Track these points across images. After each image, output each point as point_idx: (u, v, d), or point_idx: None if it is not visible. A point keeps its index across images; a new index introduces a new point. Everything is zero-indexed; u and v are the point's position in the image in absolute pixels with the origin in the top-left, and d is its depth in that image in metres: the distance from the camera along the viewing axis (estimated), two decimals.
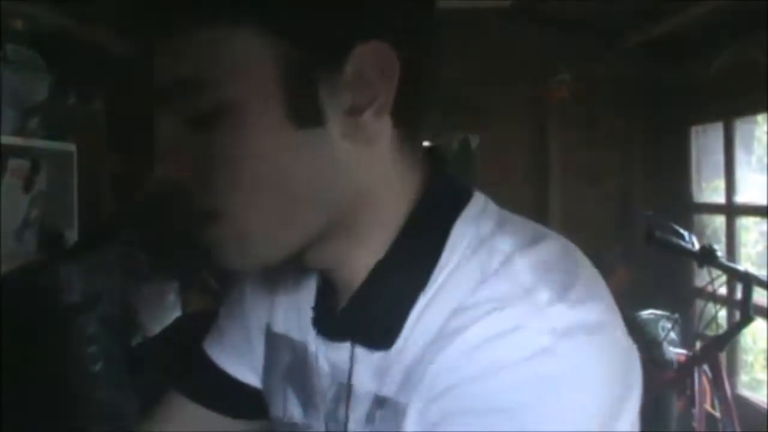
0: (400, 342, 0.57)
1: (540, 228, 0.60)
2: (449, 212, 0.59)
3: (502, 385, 0.49)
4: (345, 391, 0.61)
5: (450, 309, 0.54)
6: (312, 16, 0.52)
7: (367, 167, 0.56)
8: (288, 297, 0.70)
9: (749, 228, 3.64)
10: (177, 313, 2.60)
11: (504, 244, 0.56)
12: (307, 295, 0.68)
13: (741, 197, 3.40)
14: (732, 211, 3.41)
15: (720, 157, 3.48)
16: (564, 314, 0.51)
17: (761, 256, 3.68)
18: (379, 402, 0.58)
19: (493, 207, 0.61)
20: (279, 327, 0.71)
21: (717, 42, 3.21)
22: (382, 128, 0.55)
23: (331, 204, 0.56)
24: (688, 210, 3.74)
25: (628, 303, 3.11)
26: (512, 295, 0.52)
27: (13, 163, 2.39)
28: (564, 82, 3.83)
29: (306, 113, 0.53)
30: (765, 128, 3.56)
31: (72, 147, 2.56)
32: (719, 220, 3.58)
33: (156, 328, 2.43)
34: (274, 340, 0.72)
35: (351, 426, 0.60)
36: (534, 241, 0.56)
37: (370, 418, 0.58)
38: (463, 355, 0.51)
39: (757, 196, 3.35)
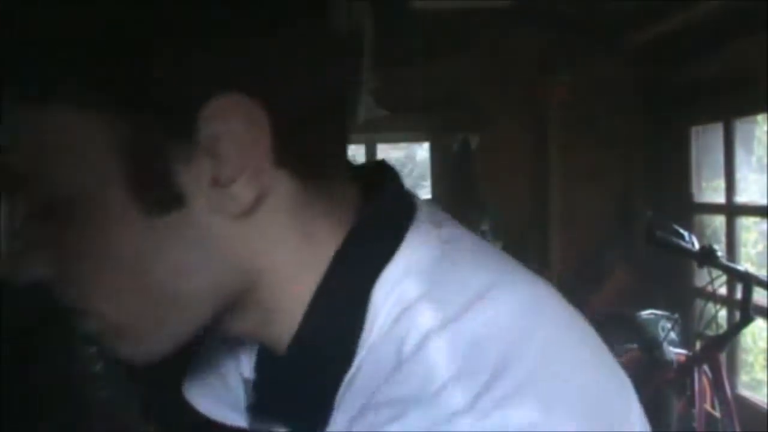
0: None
1: (503, 270, 0.48)
2: (369, 271, 0.47)
3: None
4: None
5: (358, 406, 0.44)
6: (135, 74, 0.41)
7: (254, 240, 0.46)
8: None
9: (749, 228, 3.65)
10: None
11: (424, 314, 0.43)
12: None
13: (741, 197, 3.40)
14: (732, 211, 3.41)
15: (720, 157, 3.49)
16: (473, 427, 0.39)
17: (761, 256, 3.68)
18: None
19: (434, 247, 0.47)
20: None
21: (717, 42, 3.21)
22: (267, 190, 0.45)
23: (213, 289, 0.47)
24: (688, 210, 3.74)
25: (628, 303, 3.12)
26: (416, 397, 0.40)
27: None
28: (564, 82, 3.83)
29: (158, 197, 0.44)
30: (765, 128, 3.56)
31: None
32: (719, 220, 3.58)
33: None
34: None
35: None
36: (472, 302, 0.43)
37: None
38: None
39: (757, 196, 3.36)
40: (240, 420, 0.66)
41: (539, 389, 0.40)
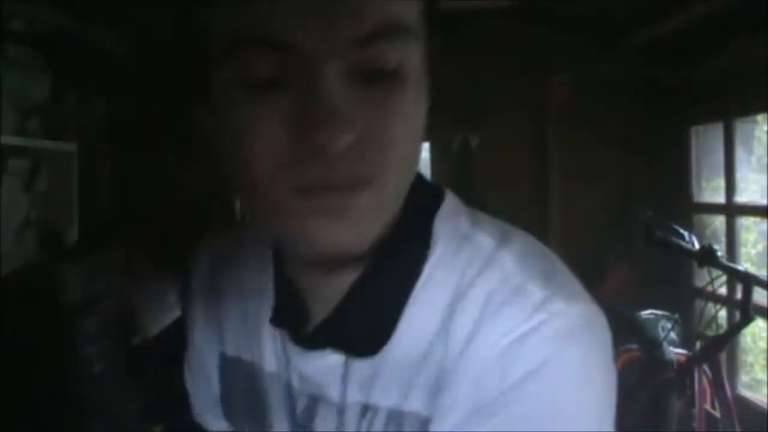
0: (389, 347, 0.55)
1: (506, 225, 0.60)
2: (428, 210, 0.58)
3: (543, 389, 0.49)
4: (324, 402, 0.58)
5: (441, 309, 0.54)
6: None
7: None
8: (236, 319, 0.67)
9: (749, 228, 3.65)
10: (177, 313, 2.60)
11: (485, 240, 0.56)
12: (256, 314, 0.64)
13: (741, 197, 3.40)
14: (732, 211, 3.41)
15: (720, 157, 3.48)
16: (563, 310, 0.51)
17: (761, 256, 3.68)
18: (369, 410, 0.55)
19: (463, 205, 0.61)
20: (231, 351, 0.68)
21: (717, 42, 3.21)
22: None
23: None
24: (688, 210, 3.74)
25: (628, 303, 3.12)
26: (509, 292, 0.52)
27: (13, 163, 2.39)
28: (564, 82, 3.83)
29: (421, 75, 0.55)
30: (765, 128, 3.56)
31: (72, 147, 2.56)
32: (719, 220, 3.58)
33: (156, 328, 2.43)
34: (228, 365, 0.69)
35: None
36: (507, 233, 0.57)
37: (361, 427, 0.56)
38: (492, 365, 0.50)
39: (757, 196, 3.35)
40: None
41: (581, 290, 0.54)
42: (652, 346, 2.82)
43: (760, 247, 3.72)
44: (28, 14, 2.28)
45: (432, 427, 0.52)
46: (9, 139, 2.28)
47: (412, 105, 0.52)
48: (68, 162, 2.54)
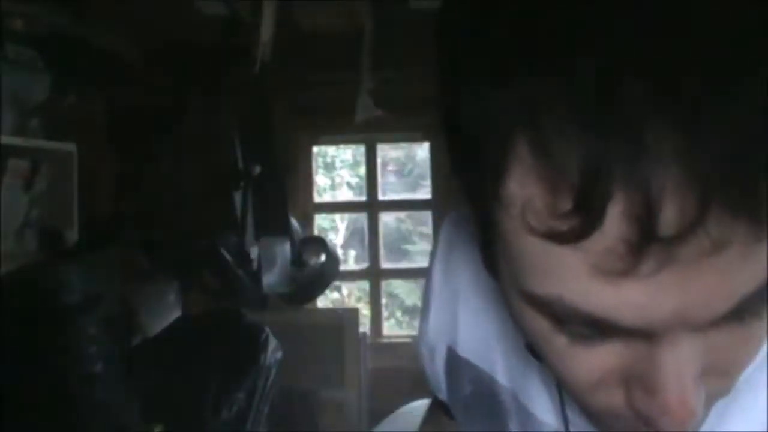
0: None
1: None
2: None
3: None
4: None
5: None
6: None
7: None
8: (475, 320, 0.63)
9: None
10: (177, 313, 2.60)
11: None
12: (506, 325, 0.59)
13: None
14: None
15: None
16: None
17: None
18: None
19: None
20: (463, 351, 0.64)
21: None
22: None
23: None
24: None
25: None
26: None
27: (13, 163, 2.39)
28: None
29: None
30: None
31: (72, 147, 2.56)
32: None
33: (156, 328, 2.43)
34: (456, 362, 0.65)
35: None
36: None
37: None
38: None
39: None
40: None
41: None
42: None
43: None
44: (28, 14, 2.28)
45: None
46: (9, 139, 2.28)
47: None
48: (68, 162, 2.54)
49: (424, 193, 3.68)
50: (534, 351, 0.48)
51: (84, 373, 1.91)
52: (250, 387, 2.29)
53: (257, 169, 2.70)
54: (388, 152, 4.24)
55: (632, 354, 0.38)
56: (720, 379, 0.40)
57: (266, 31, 2.27)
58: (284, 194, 2.88)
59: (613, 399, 0.40)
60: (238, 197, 2.67)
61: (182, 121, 2.88)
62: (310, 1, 2.60)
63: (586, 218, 0.32)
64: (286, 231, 2.80)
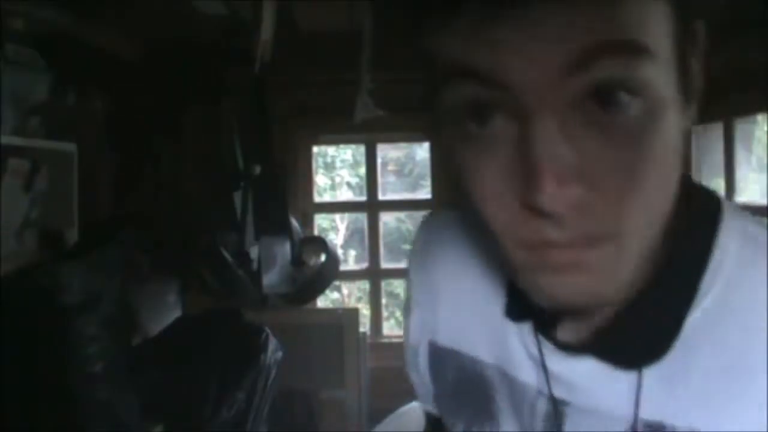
0: (674, 360, 0.50)
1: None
2: (710, 212, 0.53)
3: None
4: (574, 410, 0.54)
5: (744, 327, 0.48)
6: None
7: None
8: (454, 310, 0.65)
9: None
10: (177, 313, 2.60)
11: None
12: (482, 308, 0.61)
13: (741, 197, 3.40)
14: None
15: (720, 157, 3.48)
16: None
17: None
18: (653, 429, 0.50)
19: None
20: (444, 341, 0.66)
21: (717, 41, 3.20)
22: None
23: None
24: None
25: None
26: None
27: (13, 163, 2.39)
28: None
29: (688, 92, 0.50)
30: (765, 128, 3.56)
31: (72, 147, 2.56)
32: None
33: (156, 328, 2.43)
34: (438, 355, 0.67)
35: None
36: None
37: None
38: None
39: (757, 196, 3.35)
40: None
41: None
42: None
43: None
44: (28, 14, 2.28)
45: None
46: (9, 139, 2.28)
47: (662, 139, 0.44)
48: (68, 162, 2.54)
49: (424, 193, 3.68)
50: (511, 312, 0.58)
51: (84, 373, 1.91)
52: (250, 387, 2.29)
53: (257, 169, 2.69)
54: (388, 152, 4.25)
55: (511, 146, 0.43)
56: (613, 201, 0.43)
57: (266, 31, 2.27)
58: (284, 194, 2.88)
59: (512, 211, 0.44)
60: (238, 197, 2.67)
61: (182, 122, 2.88)
62: (310, 1, 2.60)
63: None
64: (286, 231, 2.79)
